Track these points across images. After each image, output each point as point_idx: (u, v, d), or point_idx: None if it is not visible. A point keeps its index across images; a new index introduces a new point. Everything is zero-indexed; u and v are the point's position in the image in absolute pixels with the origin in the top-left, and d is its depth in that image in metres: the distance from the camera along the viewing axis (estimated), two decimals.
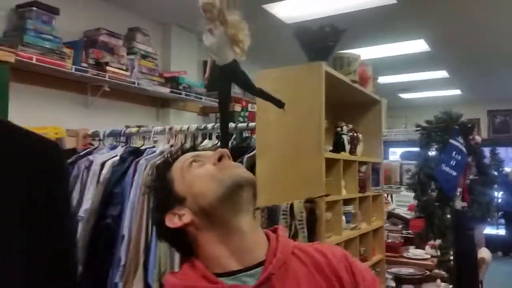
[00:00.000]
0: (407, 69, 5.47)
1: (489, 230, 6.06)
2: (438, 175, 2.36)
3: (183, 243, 0.78)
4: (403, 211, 2.66)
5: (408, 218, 2.63)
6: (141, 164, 1.99)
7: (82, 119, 3.32)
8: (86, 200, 2.08)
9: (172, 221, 0.77)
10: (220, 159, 0.79)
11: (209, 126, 2.02)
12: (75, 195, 2.14)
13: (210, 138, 2.05)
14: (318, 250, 0.82)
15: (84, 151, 2.37)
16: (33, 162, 0.75)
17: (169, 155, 0.86)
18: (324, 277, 0.76)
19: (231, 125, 1.97)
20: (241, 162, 1.69)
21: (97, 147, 2.43)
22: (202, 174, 0.77)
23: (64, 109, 3.26)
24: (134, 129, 2.32)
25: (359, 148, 1.82)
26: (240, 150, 1.78)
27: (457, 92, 6.82)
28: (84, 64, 3.13)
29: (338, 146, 1.67)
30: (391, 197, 3.46)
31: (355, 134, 1.81)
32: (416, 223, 2.61)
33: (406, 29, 4.05)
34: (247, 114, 4.42)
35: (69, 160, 2.27)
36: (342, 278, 0.76)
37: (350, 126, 1.84)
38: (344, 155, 1.67)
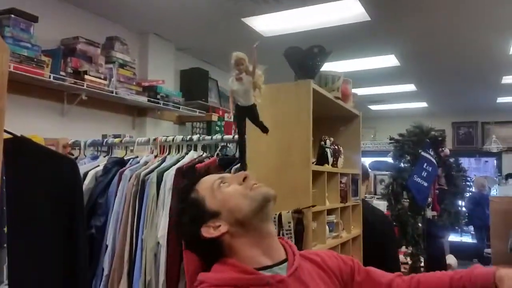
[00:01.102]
0: (378, 83, 5.68)
1: (453, 237, 6.31)
2: (411, 185, 2.49)
3: (215, 250, 0.94)
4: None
5: None
6: (126, 175, 2.00)
7: (58, 127, 3.28)
8: None
9: (209, 232, 0.93)
10: (244, 179, 0.98)
11: (195, 137, 2.05)
12: None
13: (195, 149, 2.08)
14: (312, 253, 1.07)
15: None
16: (55, 177, 0.78)
17: (188, 179, 1.04)
18: (323, 271, 1.01)
19: (218, 136, 2.02)
20: (229, 173, 1.74)
21: (77, 157, 2.42)
22: (234, 193, 0.96)
23: (40, 117, 3.21)
24: (116, 140, 2.33)
25: (340, 161, 1.91)
26: (228, 161, 1.82)
27: (424, 104, 7.12)
28: (62, 73, 3.11)
29: (322, 159, 1.75)
30: None
31: (336, 147, 1.90)
32: None
33: (379, 45, 4.22)
34: (223, 123, 4.47)
35: None
36: (334, 269, 1.03)
37: (332, 139, 1.93)
38: (328, 168, 1.75)
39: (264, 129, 1.48)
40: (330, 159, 1.79)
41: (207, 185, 0.98)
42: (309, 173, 1.47)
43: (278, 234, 1.47)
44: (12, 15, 2.81)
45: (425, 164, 2.53)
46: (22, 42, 2.82)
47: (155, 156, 2.15)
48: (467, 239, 7.35)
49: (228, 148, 2.12)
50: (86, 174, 2.13)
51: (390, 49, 4.37)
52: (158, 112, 4.03)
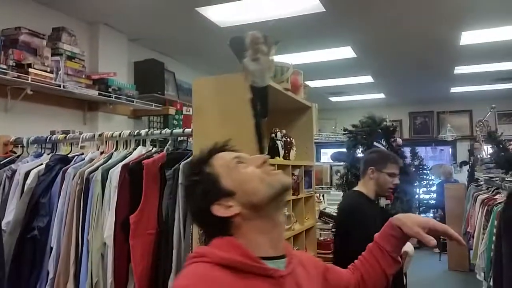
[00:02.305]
0: (336, 74, 5.73)
1: None
2: None
3: (222, 228, 0.91)
4: (333, 210, 2.79)
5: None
6: (69, 173, 1.90)
7: (2, 124, 3.09)
8: (9, 211, 1.95)
9: (220, 210, 0.90)
10: (262, 163, 0.94)
11: (143, 132, 1.98)
12: None
13: (144, 145, 2.01)
14: (297, 253, 1.05)
15: (6, 160, 2.22)
16: None
17: (204, 153, 0.98)
18: (308, 271, 1.00)
19: (167, 131, 1.95)
20: (177, 169, 1.69)
21: (20, 155, 2.28)
22: (252, 175, 0.92)
23: None
24: (60, 136, 2.21)
25: (292, 153, 1.89)
26: (177, 156, 1.76)
27: (381, 95, 7.27)
28: (3, 66, 2.92)
29: (273, 151, 1.72)
30: (323, 196, 3.62)
31: (288, 139, 1.88)
32: None
33: (334, 36, 4.25)
34: (181, 117, 4.38)
35: None
36: (318, 271, 1.04)
37: (284, 131, 1.90)
38: (278, 160, 1.73)
39: (264, 114, 1.47)
40: (281, 152, 1.77)
41: (223, 162, 0.95)
42: None
43: None
44: None
45: None
46: None
47: (102, 153, 2.06)
48: None
49: (188, 143, 2.04)
50: (28, 173, 2.03)
51: (347, 41, 4.41)
52: (111, 106, 3.88)
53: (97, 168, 1.86)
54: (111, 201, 1.77)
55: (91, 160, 2.00)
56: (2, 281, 0.88)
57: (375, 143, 2.58)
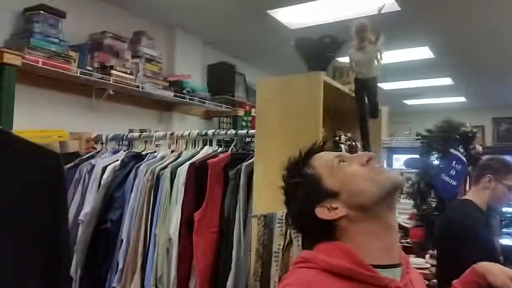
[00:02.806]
0: (412, 76, 5.47)
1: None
2: (438, 184, 2.37)
3: (327, 232, 0.86)
4: (402, 219, 2.65)
5: (408, 227, 2.63)
6: (142, 170, 2.01)
7: (87, 122, 3.35)
8: (87, 203, 2.10)
9: (325, 213, 0.85)
10: (368, 161, 0.88)
11: (210, 132, 2.03)
12: (77, 199, 2.16)
13: (210, 145, 2.06)
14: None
15: (87, 155, 2.40)
16: (35, 172, 0.77)
17: (302, 153, 0.96)
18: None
19: (232, 131, 1.99)
20: (239, 170, 1.71)
21: (99, 151, 2.45)
22: (357, 174, 0.86)
23: (69, 112, 3.30)
24: (136, 134, 2.34)
25: None
26: (240, 157, 1.79)
27: (462, 99, 6.80)
28: (89, 68, 3.16)
29: None
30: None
31: (353, 143, 1.82)
32: (415, 232, 2.60)
33: (411, 36, 4.05)
34: (250, 118, 4.44)
35: (71, 164, 2.30)
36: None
37: (349, 135, 1.85)
38: None
39: (373, 112, 1.39)
40: None
41: (324, 162, 0.90)
42: None
43: (285, 233, 1.42)
44: (42, 11, 2.89)
45: (454, 162, 2.40)
46: (50, 38, 2.89)
47: (172, 151, 2.15)
48: None
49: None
50: (105, 168, 2.17)
51: (424, 41, 4.18)
52: (185, 107, 4.05)
53: (167, 166, 1.94)
54: (178, 198, 1.84)
55: (162, 158, 2.10)
56: (67, 266, 0.95)
57: (451, 150, 2.42)
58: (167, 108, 4.05)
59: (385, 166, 0.89)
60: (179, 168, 1.89)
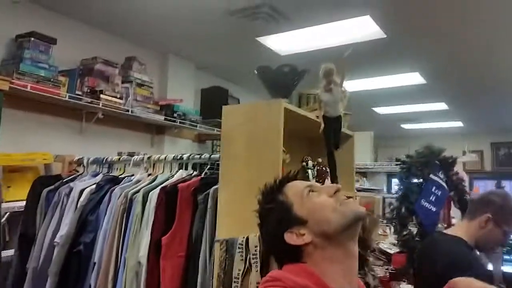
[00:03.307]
0: (406, 101, 5.49)
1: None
2: (418, 210, 2.35)
3: (294, 255, 0.93)
4: (386, 245, 2.62)
5: (390, 253, 2.60)
6: (115, 193, 2.02)
7: (77, 145, 3.40)
8: (64, 226, 2.11)
9: (292, 238, 0.92)
10: (335, 192, 0.95)
11: (185, 156, 2.05)
12: (54, 221, 2.18)
13: (186, 168, 2.08)
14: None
15: (68, 178, 2.42)
16: None
17: (276, 181, 1.04)
18: None
19: (206, 155, 2.01)
20: (208, 194, 1.72)
21: (81, 174, 2.48)
22: (324, 204, 0.93)
23: (59, 135, 3.35)
24: (115, 158, 2.37)
25: (327, 182, 1.83)
26: (211, 181, 1.79)
27: (459, 123, 6.80)
28: (79, 92, 3.23)
29: (303, 180, 1.69)
30: (390, 229, 3.41)
31: (323, 168, 1.83)
32: (398, 258, 2.57)
33: (399, 62, 4.10)
34: None
35: (52, 187, 2.32)
36: None
37: (320, 160, 1.86)
38: None
39: (336, 145, 1.53)
40: (312, 180, 1.73)
41: (296, 191, 0.98)
42: None
43: (245, 259, 1.42)
44: (32, 38, 2.98)
45: (434, 188, 2.39)
46: (40, 63, 2.97)
47: (149, 175, 2.17)
48: None
49: None
50: (82, 191, 2.18)
51: (413, 67, 4.23)
52: (176, 130, 4.09)
53: (139, 190, 1.96)
54: (148, 221, 1.85)
55: (138, 181, 2.11)
56: None
57: (431, 176, 2.41)
58: (158, 131, 4.09)
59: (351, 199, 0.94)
60: (151, 192, 1.90)
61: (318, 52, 3.74)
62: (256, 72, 1.55)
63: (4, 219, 2.43)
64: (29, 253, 2.14)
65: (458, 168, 2.60)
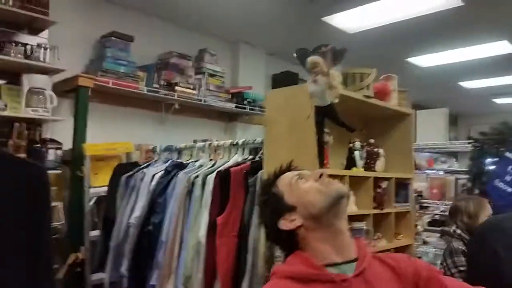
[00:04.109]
0: (496, 73, 4.99)
1: None
2: (491, 190, 2.18)
3: (291, 241, 1.01)
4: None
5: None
6: (180, 177, 2.18)
7: (159, 134, 3.68)
8: (138, 208, 2.34)
9: (286, 224, 1.00)
10: (320, 176, 1.02)
11: (240, 142, 2.14)
12: (130, 203, 2.41)
13: (243, 153, 2.17)
14: (389, 256, 1.05)
15: (144, 164, 2.65)
16: (22, 178, 0.96)
17: (271, 175, 1.12)
18: (397, 276, 0.98)
19: (258, 140, 2.07)
20: (256, 178, 1.79)
21: (155, 160, 2.70)
22: (310, 188, 1.01)
23: (142, 126, 3.65)
24: (182, 145, 2.54)
25: (379, 163, 1.79)
26: (260, 165, 1.86)
27: None
28: (156, 85, 3.49)
29: (349, 162, 1.67)
30: None
31: (374, 149, 1.78)
32: None
33: (482, 31, 3.74)
34: None
35: (130, 173, 2.56)
36: (409, 275, 0.98)
37: (372, 141, 1.82)
38: (355, 171, 1.66)
39: (348, 128, 1.56)
40: (360, 162, 1.69)
41: (286, 181, 1.05)
42: None
43: None
44: (113, 38, 3.28)
45: (510, 167, 2.18)
46: (120, 61, 3.26)
47: (210, 160, 2.30)
48: None
49: None
50: (154, 176, 2.39)
51: (500, 35, 3.83)
52: (247, 117, 4.21)
53: (200, 174, 2.09)
54: (206, 203, 1.97)
55: (200, 166, 2.25)
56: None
57: (507, 154, 2.21)
58: (231, 118, 4.25)
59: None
60: (208, 176, 2.03)
61: (389, 27, 3.58)
62: (295, 55, 1.57)
63: (92, 202, 2.75)
64: (111, 232, 2.41)
65: None
